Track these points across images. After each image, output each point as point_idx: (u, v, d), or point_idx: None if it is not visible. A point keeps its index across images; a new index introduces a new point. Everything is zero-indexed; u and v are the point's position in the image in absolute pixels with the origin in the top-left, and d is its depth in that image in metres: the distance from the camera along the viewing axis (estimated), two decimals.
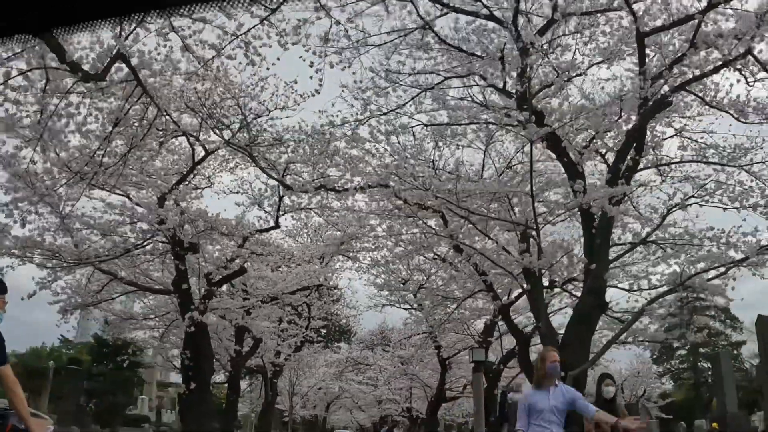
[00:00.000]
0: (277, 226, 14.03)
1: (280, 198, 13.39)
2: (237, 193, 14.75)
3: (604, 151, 11.06)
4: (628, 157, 9.45)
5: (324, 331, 40.35)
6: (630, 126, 9.53)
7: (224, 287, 14.14)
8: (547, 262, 8.66)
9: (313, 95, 9.86)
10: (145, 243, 10.23)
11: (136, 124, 9.29)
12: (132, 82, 7.81)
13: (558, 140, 9.54)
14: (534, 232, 10.35)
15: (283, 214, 14.53)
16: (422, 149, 11.16)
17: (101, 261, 9.89)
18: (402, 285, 21.25)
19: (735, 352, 39.96)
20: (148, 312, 13.72)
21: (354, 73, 9.07)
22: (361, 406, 44.77)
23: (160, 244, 11.83)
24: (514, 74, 9.39)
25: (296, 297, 17.73)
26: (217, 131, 9.59)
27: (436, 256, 15.70)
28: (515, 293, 12.06)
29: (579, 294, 11.30)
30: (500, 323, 16.33)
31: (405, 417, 35.74)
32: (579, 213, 9.68)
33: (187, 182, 12.97)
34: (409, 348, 25.31)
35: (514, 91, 9.62)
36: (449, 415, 32.93)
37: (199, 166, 13.51)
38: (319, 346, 22.61)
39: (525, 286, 9.16)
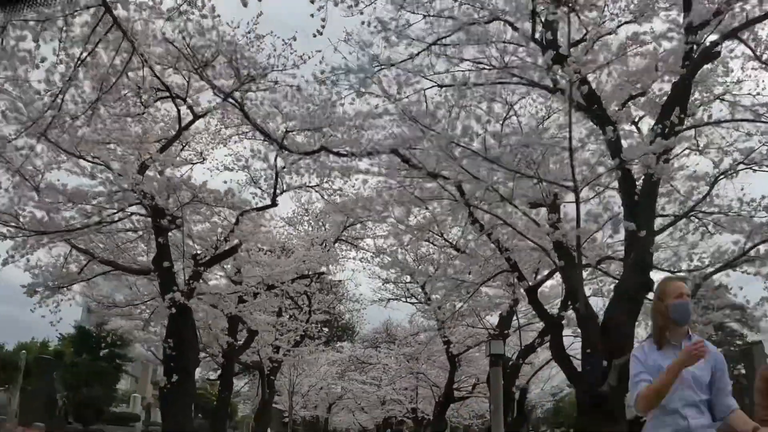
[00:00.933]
0: (273, 204, 12.77)
1: (277, 174, 12.15)
2: (232, 170, 13.55)
3: (637, 117, 9.80)
4: (673, 116, 8.16)
5: (327, 330, 38.99)
6: (674, 80, 8.34)
7: (217, 273, 12.88)
8: (586, 230, 7.38)
9: (312, 56, 8.63)
10: (119, 211, 8.95)
11: (113, 72, 8.06)
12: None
13: (593, 96, 8.29)
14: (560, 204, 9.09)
15: (280, 193, 13.30)
16: (435, 119, 9.86)
17: (69, 231, 8.63)
18: (409, 276, 20.00)
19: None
20: (132, 297, 12.45)
21: (362, 13, 7.81)
22: (363, 407, 43.48)
23: (141, 218, 10.59)
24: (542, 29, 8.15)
25: (295, 287, 16.49)
26: (206, 80, 8.28)
27: (447, 243, 14.45)
28: (536, 277, 10.74)
29: (611, 277, 10.01)
30: (519, 311, 15.07)
31: (410, 418, 34.35)
32: (617, 180, 8.38)
33: (176, 155, 11.76)
34: (415, 345, 24.02)
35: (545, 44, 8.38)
36: (456, 416, 31.56)
37: (190, 138, 12.31)
38: (320, 343, 21.28)
39: (558, 262, 7.87)
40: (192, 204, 9.93)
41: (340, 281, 20.60)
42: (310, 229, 18.77)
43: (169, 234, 9.99)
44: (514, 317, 14.60)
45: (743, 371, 39.15)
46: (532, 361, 14.85)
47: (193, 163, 12.79)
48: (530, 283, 8.65)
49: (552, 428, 42.59)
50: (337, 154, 9.10)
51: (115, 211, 8.86)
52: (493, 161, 7.76)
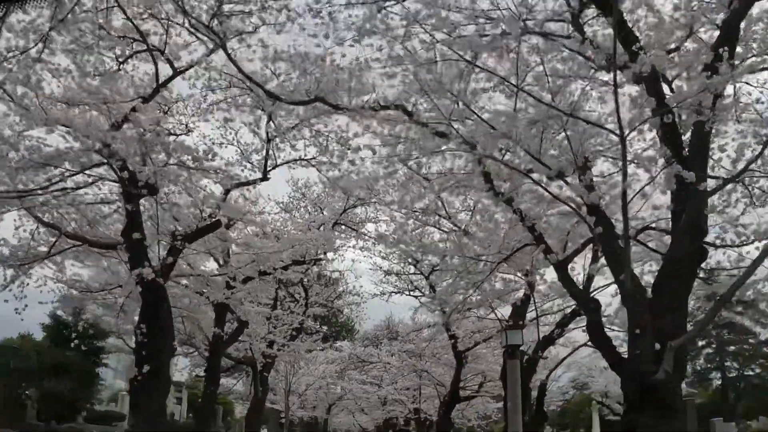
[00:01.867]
0: (265, 178, 11.53)
1: (268, 140, 10.91)
2: (221, 144, 12.22)
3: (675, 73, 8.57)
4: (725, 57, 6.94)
5: (325, 327, 37.66)
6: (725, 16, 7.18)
7: (199, 251, 11.61)
8: (629, 184, 6.14)
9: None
10: (81, 171, 7.70)
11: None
12: None
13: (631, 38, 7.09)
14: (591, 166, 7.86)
15: (273, 168, 12.06)
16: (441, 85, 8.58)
17: (23, 196, 7.38)
18: (413, 266, 18.74)
19: (766, 350, 37.20)
20: (108, 282, 11.20)
21: None
22: (363, 409, 42.16)
23: (114, 188, 9.34)
24: None
25: (290, 274, 15.22)
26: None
27: (455, 227, 13.18)
28: (565, 251, 9.42)
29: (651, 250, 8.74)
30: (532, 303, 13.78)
31: (413, 419, 32.99)
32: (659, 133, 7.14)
33: (154, 118, 10.49)
34: (419, 342, 22.73)
35: None
36: (461, 417, 30.27)
37: (172, 104, 11.05)
38: (318, 339, 20.00)
39: (594, 229, 6.61)
40: (168, 171, 8.68)
41: (339, 273, 19.34)
42: (308, 215, 17.52)
43: (143, 203, 8.75)
44: (529, 307, 13.33)
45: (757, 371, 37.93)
46: (548, 355, 13.55)
47: (177, 135, 11.52)
48: (559, 257, 7.41)
49: (557, 430, 41.24)
50: (335, 107, 7.87)
51: (77, 171, 7.59)
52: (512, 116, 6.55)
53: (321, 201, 16.58)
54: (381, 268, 19.90)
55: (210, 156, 8.21)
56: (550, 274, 12.51)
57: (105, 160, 7.68)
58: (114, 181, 8.55)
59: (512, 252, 9.12)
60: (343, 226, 15.25)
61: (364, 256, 18.13)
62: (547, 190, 6.93)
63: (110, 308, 12.72)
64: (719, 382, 38.66)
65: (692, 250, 6.45)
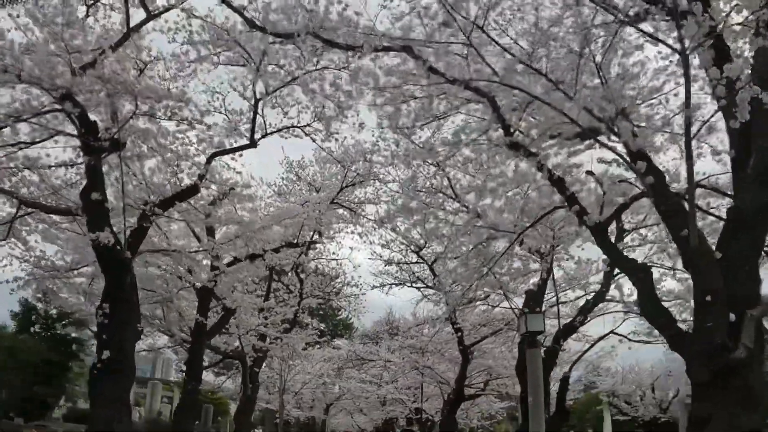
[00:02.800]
0: (252, 144, 10.32)
1: (257, 101, 9.71)
2: (207, 112, 10.94)
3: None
4: None
5: (323, 326, 36.48)
6: None
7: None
8: (691, 111, 4.93)
9: None
10: (34, 116, 6.48)
11: None
12: None
13: None
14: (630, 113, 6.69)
15: (263, 136, 10.85)
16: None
17: None
18: (416, 254, 17.51)
19: None
20: (75, 261, 9.97)
21: None
22: (362, 409, 40.88)
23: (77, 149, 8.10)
24: None
25: (283, 259, 14.00)
26: None
27: (464, 207, 11.97)
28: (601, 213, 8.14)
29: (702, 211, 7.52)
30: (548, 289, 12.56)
31: (414, 419, 31.68)
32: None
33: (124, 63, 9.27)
34: (421, 337, 21.48)
35: None
36: (464, 418, 28.98)
37: (150, 63, 9.83)
38: (313, 333, 18.74)
39: (646, 180, 5.41)
40: (135, 126, 7.46)
41: (337, 262, 18.09)
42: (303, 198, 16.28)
43: (110, 166, 7.54)
44: (545, 295, 12.11)
45: None
46: (566, 345, 12.31)
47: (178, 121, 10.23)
48: (597, 219, 6.21)
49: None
50: (330, 43, 6.67)
51: (28, 116, 6.37)
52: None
53: (317, 182, 15.39)
54: (381, 257, 18.71)
55: (185, 101, 6.97)
56: (575, 251, 11.40)
57: (59, 107, 6.45)
58: (74, 136, 7.32)
59: (537, 219, 7.91)
60: (341, 209, 14.04)
61: (363, 243, 16.86)
62: (585, 133, 5.72)
63: (67, 281, 11.43)
64: None
65: (762, 202, 5.25)
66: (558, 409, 10.33)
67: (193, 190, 8.30)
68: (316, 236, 13.38)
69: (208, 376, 35.70)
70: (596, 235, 6.20)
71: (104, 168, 7.63)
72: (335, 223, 14.93)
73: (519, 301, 15.62)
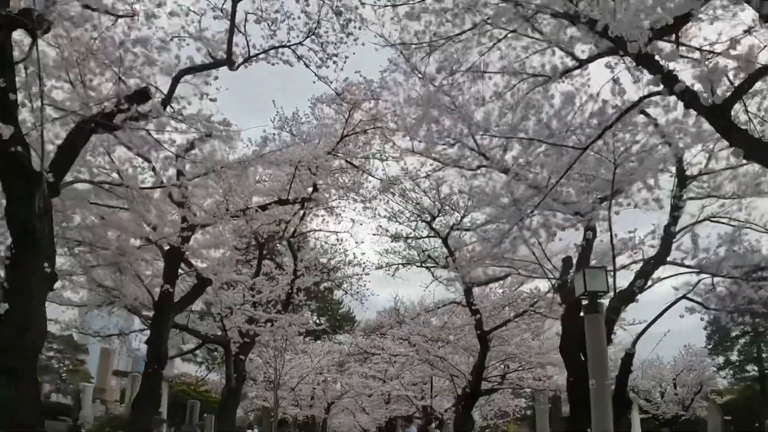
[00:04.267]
0: (229, 62, 8.15)
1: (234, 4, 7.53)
2: (182, 40, 8.58)
3: None
4: None
5: (323, 319, 34.60)
6: None
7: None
8: None
9: None
10: None
11: None
12: None
13: None
14: None
15: (247, 59, 8.65)
16: None
17: None
18: (428, 223, 15.21)
19: None
20: None
21: None
22: (365, 408, 38.62)
23: None
24: None
25: (272, 226, 11.83)
26: None
27: (486, 161, 9.74)
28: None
29: None
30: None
31: (419, 418, 29.38)
32: None
33: None
34: (431, 324, 19.16)
35: None
36: (478, 414, 26.65)
37: None
38: (313, 323, 16.53)
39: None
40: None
41: (336, 236, 15.79)
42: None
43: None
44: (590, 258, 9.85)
45: None
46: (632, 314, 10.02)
47: (119, 17, 7.94)
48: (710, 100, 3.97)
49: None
50: None
51: None
52: None
53: (312, 137, 13.12)
54: (387, 231, 16.47)
55: None
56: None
57: None
58: None
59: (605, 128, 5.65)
60: (338, 162, 11.76)
61: (367, 216, 14.65)
62: None
63: None
64: (756, 376, 35.01)
65: None
66: (618, 392, 8.03)
67: (142, 95, 6.06)
68: (312, 194, 11.12)
69: (188, 368, 33.19)
70: (714, 119, 3.96)
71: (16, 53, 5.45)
72: (335, 190, 12.70)
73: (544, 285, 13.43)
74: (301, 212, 12.26)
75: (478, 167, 10.53)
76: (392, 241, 16.58)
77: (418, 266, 17.45)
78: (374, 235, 16.68)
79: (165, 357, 8.86)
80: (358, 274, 16.13)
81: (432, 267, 17.26)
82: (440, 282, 17.22)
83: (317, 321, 50.00)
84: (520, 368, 18.60)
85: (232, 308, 12.62)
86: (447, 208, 14.90)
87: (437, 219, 14.76)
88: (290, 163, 9.39)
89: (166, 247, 9.07)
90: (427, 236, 16.00)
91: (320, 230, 14.69)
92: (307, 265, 15.05)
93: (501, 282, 15.49)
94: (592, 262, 9.97)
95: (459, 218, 14.63)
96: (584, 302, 6.91)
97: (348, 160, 11.59)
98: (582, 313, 7.16)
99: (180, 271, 9.72)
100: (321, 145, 10.94)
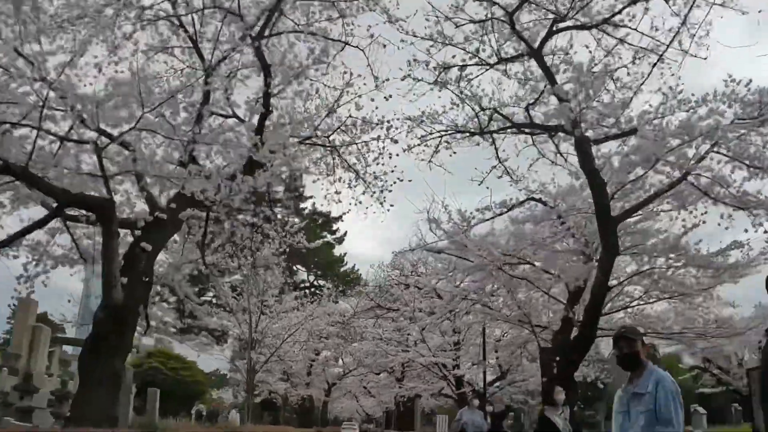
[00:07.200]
0: None
1: None
2: None
3: None
4: None
5: (323, 283, 28.20)
6: None
7: None
8: None
9: None
10: None
11: None
12: None
13: None
14: None
15: None
16: None
17: None
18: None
19: None
20: None
21: None
22: (370, 390, 32.00)
23: None
24: None
25: None
26: None
27: None
28: None
29: None
30: None
31: (450, 396, 22.35)
32: None
33: None
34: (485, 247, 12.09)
35: None
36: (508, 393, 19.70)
37: None
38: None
39: None
40: None
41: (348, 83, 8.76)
42: None
43: None
44: None
45: None
46: None
47: None
48: None
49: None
50: None
51: None
52: None
53: None
54: (427, 63, 9.31)
55: None
56: None
57: None
58: None
59: None
60: None
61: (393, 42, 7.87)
62: None
63: None
64: None
65: None
66: None
67: None
68: None
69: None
70: None
71: None
72: None
73: None
74: None
75: None
76: (435, 82, 9.46)
77: (471, 134, 10.40)
78: (405, 77, 9.54)
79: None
80: (380, 137, 9.26)
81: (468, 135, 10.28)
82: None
83: (315, 283, 43.09)
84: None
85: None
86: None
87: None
88: None
89: None
90: (500, 61, 8.76)
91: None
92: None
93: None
94: None
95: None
96: None
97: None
98: None
99: None
100: None
